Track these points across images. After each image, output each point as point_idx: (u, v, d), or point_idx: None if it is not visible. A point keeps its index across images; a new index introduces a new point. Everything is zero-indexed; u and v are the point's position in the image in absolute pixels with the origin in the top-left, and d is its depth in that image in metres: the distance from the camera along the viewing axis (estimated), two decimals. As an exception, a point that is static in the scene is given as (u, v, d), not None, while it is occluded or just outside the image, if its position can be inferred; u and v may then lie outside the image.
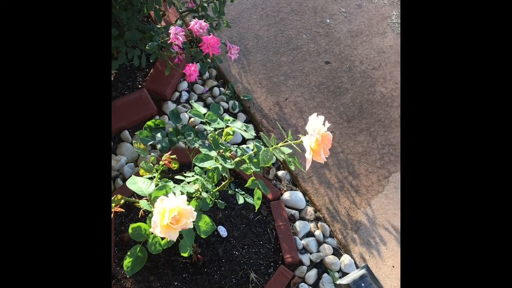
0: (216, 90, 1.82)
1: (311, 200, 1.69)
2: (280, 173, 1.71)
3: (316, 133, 1.00)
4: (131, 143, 1.61)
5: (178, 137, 1.27)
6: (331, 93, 1.91)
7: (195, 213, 1.02)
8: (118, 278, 1.43)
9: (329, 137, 1.02)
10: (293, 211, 1.64)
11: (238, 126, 1.10)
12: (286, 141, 1.06)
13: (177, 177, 1.21)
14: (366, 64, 2.00)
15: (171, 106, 1.73)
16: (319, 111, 1.85)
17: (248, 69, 1.91)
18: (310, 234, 1.62)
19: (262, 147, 1.08)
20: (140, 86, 1.72)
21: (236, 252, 1.52)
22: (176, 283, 1.44)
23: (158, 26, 1.61)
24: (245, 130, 1.09)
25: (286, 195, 1.66)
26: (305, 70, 1.94)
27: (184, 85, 1.80)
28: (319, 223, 1.64)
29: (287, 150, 1.08)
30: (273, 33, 2.01)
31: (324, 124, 1.01)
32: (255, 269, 1.51)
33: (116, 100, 1.62)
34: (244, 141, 1.74)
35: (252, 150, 1.08)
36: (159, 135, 1.25)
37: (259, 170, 1.10)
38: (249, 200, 1.22)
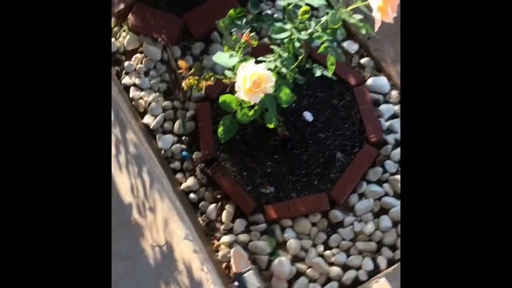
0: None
1: (396, 83, 1.70)
2: (363, 60, 1.74)
3: (383, -10, 1.03)
4: (221, 43, 1.76)
5: (258, 22, 1.37)
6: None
7: (274, 78, 1.14)
8: (219, 160, 1.64)
9: (396, -8, 1.04)
10: (377, 96, 1.68)
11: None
12: (354, 4, 1.10)
13: (259, 59, 1.33)
14: None
15: (254, 5, 1.81)
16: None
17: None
18: (394, 116, 1.66)
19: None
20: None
21: (322, 135, 1.63)
22: (269, 163, 1.61)
23: None
24: (315, -2, 1.15)
25: (370, 81, 1.69)
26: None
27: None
28: (405, 107, 1.66)
29: (358, 16, 1.12)
30: None
31: (391, -21, 1.03)
32: (341, 149, 1.61)
33: (204, 4, 1.76)
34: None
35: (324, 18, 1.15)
36: (240, 22, 1.36)
37: (331, 38, 1.16)
38: (326, 73, 1.30)
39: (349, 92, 1.69)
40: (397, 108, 1.67)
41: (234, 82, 1.20)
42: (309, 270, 1.50)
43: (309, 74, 1.70)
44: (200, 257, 1.26)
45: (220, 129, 1.26)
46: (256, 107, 1.26)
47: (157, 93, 1.71)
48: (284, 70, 1.26)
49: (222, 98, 1.22)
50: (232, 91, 1.25)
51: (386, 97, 1.69)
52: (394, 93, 1.68)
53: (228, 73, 1.19)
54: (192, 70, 1.25)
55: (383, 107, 1.65)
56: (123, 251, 1.24)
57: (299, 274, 1.51)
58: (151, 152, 1.51)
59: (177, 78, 1.41)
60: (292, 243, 1.52)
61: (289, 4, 1.20)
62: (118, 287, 1.16)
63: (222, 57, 1.19)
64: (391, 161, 1.58)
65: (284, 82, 1.27)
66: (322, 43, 1.20)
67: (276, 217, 1.55)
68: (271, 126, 1.30)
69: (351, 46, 1.75)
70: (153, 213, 1.30)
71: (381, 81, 1.69)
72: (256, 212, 1.57)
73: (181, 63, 1.24)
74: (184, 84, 1.22)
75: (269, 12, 1.77)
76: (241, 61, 1.17)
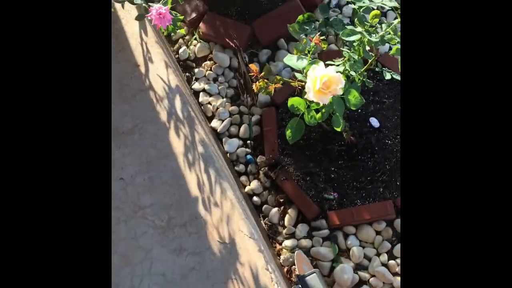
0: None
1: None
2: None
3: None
4: (287, 50, 1.79)
5: (327, 27, 1.39)
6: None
7: (343, 80, 1.15)
8: (283, 165, 1.66)
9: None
10: (447, 103, 1.63)
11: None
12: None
13: (327, 62, 1.35)
14: None
15: (321, 13, 1.84)
16: None
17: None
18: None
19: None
20: (291, -1, 1.86)
21: (389, 141, 1.61)
22: (333, 168, 1.61)
23: None
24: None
25: (440, 88, 1.65)
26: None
27: (333, -7, 1.88)
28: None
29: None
30: None
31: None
32: (408, 156, 1.58)
33: (271, 12, 1.81)
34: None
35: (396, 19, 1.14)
36: (309, 26, 1.38)
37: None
38: (396, 76, 1.29)
39: (417, 99, 1.65)
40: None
41: (302, 85, 1.22)
42: (372, 279, 1.47)
43: (376, 81, 1.69)
44: (265, 256, 1.28)
45: (288, 131, 1.28)
46: (323, 110, 1.27)
47: (225, 99, 1.77)
48: (353, 73, 1.26)
49: (291, 100, 1.24)
50: (300, 94, 1.27)
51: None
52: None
53: (297, 75, 1.21)
54: (263, 73, 1.28)
55: (454, 115, 1.60)
56: (191, 247, 1.28)
57: (361, 282, 1.48)
58: (219, 153, 1.56)
59: (247, 81, 1.45)
60: (355, 250, 1.49)
61: (360, 8, 1.20)
62: (187, 279, 1.20)
63: (292, 60, 1.22)
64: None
65: (352, 85, 1.27)
66: (391, 48, 1.20)
67: (339, 224, 1.54)
68: (338, 129, 1.30)
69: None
70: (220, 211, 1.34)
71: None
72: (319, 217, 1.57)
73: (252, 66, 1.28)
74: (254, 86, 1.26)
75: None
76: (311, 63, 1.19)
